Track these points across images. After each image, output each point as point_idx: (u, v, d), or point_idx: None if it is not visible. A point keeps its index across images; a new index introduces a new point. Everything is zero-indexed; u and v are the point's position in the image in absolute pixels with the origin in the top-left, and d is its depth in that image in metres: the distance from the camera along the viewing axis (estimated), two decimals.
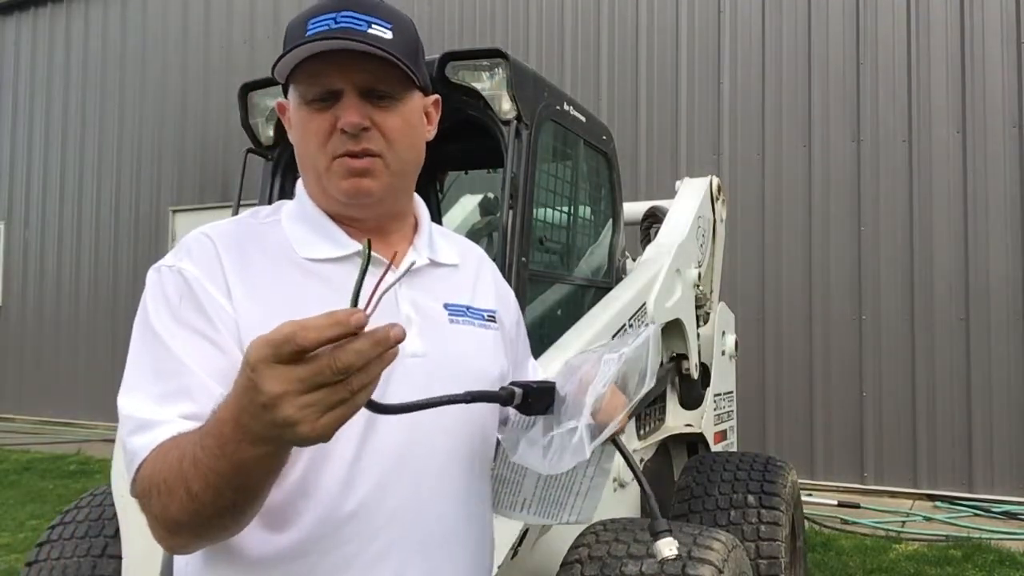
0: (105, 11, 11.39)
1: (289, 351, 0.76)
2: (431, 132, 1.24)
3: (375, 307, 0.80)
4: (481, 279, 1.33)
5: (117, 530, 2.52)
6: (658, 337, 1.17)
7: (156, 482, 0.94)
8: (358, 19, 1.09)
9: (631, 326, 2.97)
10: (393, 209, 1.22)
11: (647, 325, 1.21)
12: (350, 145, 1.11)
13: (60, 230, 11.54)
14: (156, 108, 10.88)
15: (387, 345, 0.78)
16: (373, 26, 1.10)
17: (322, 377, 0.77)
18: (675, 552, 1.10)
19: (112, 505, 2.61)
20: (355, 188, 1.13)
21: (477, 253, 1.38)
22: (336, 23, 1.09)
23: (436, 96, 1.25)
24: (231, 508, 0.92)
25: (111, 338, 10.47)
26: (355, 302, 0.80)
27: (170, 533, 0.96)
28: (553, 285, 2.96)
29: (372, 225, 1.20)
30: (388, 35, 1.11)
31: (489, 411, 1.25)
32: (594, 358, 1.17)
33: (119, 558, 2.45)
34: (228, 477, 0.88)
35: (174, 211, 10.61)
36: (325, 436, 0.80)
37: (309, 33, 1.09)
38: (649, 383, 1.13)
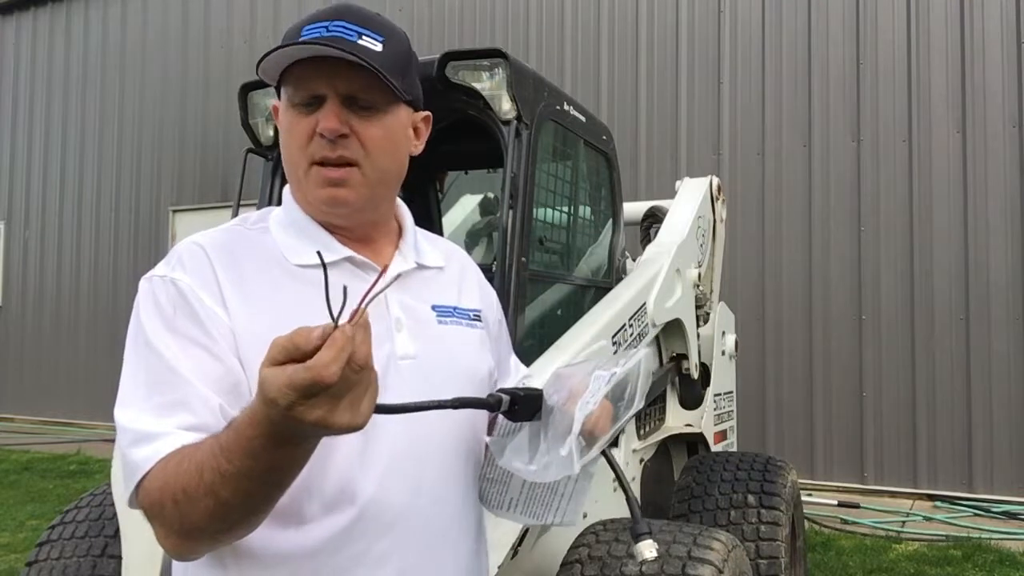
0: (105, 11, 11.39)
1: (319, 390, 0.81)
2: (418, 147, 1.26)
3: (361, 314, 0.84)
4: (465, 280, 1.36)
5: (117, 530, 2.52)
6: (649, 361, 1.19)
7: (172, 494, 0.95)
8: (350, 29, 1.11)
9: (631, 326, 2.97)
10: (373, 217, 1.23)
11: (639, 348, 1.22)
12: (327, 151, 1.12)
13: (60, 230, 11.54)
14: (156, 108, 10.88)
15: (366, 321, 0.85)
16: (364, 37, 1.11)
17: (351, 382, 0.83)
18: (655, 554, 1.15)
19: (112, 505, 2.61)
20: (331, 197, 1.15)
21: (459, 255, 1.40)
22: (328, 31, 1.10)
23: (427, 113, 1.26)
24: (262, 503, 0.95)
25: (111, 338, 10.46)
26: (341, 310, 0.84)
27: (185, 539, 0.97)
28: (553, 285, 2.96)
29: (358, 232, 1.21)
30: (378, 47, 1.12)
31: (481, 412, 1.27)
32: (584, 370, 1.19)
33: (119, 558, 2.44)
34: (262, 478, 0.91)
35: (174, 211, 10.61)
36: (369, 417, 0.87)
37: (302, 38, 1.11)
38: (637, 405, 1.15)
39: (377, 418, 0.95)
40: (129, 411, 1.03)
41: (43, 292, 11.57)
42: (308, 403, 0.81)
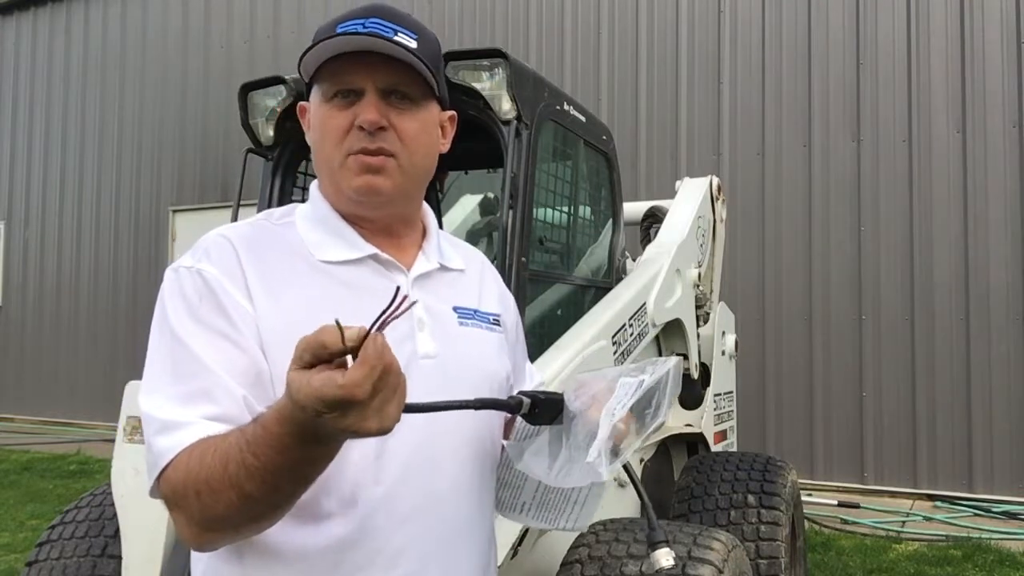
0: (105, 11, 11.39)
1: (351, 407, 0.81)
2: (445, 146, 1.28)
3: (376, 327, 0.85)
4: (485, 283, 1.36)
5: (117, 530, 2.52)
6: (679, 370, 1.17)
7: (194, 485, 0.95)
8: (385, 26, 1.13)
9: (631, 326, 2.97)
10: (403, 212, 1.24)
11: (668, 357, 1.20)
12: (366, 143, 1.14)
13: (60, 230, 11.54)
14: (156, 108, 10.88)
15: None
16: (399, 34, 1.14)
17: (379, 387, 0.83)
18: (672, 563, 1.14)
19: (112, 505, 2.61)
20: (367, 185, 1.16)
21: (480, 258, 1.41)
22: (364, 28, 1.13)
23: (453, 112, 1.29)
24: (287, 498, 0.96)
25: (111, 338, 10.46)
26: (378, 323, 0.85)
27: (206, 530, 0.98)
28: (553, 285, 2.96)
29: (383, 226, 1.22)
30: (413, 44, 1.14)
31: (497, 414, 1.27)
32: (609, 376, 1.18)
33: (119, 558, 2.44)
34: (289, 474, 0.91)
35: (174, 211, 10.61)
36: (399, 419, 0.87)
37: (338, 35, 1.13)
38: (664, 414, 1.13)
39: None
40: (153, 400, 1.04)
41: (43, 292, 11.56)
42: (337, 414, 0.82)
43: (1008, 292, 6.42)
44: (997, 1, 6.59)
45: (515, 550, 2.20)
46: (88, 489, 4.38)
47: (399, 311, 0.86)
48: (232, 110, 4.71)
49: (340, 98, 1.15)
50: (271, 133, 2.91)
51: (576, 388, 1.19)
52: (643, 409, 1.13)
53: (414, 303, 1.14)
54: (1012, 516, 6.00)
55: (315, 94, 1.19)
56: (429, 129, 1.20)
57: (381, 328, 0.84)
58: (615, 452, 1.10)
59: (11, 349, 11.71)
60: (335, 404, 0.80)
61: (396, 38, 1.13)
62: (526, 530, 2.23)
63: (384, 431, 0.85)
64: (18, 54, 12.19)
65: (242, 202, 3.04)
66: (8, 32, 12.32)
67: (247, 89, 2.90)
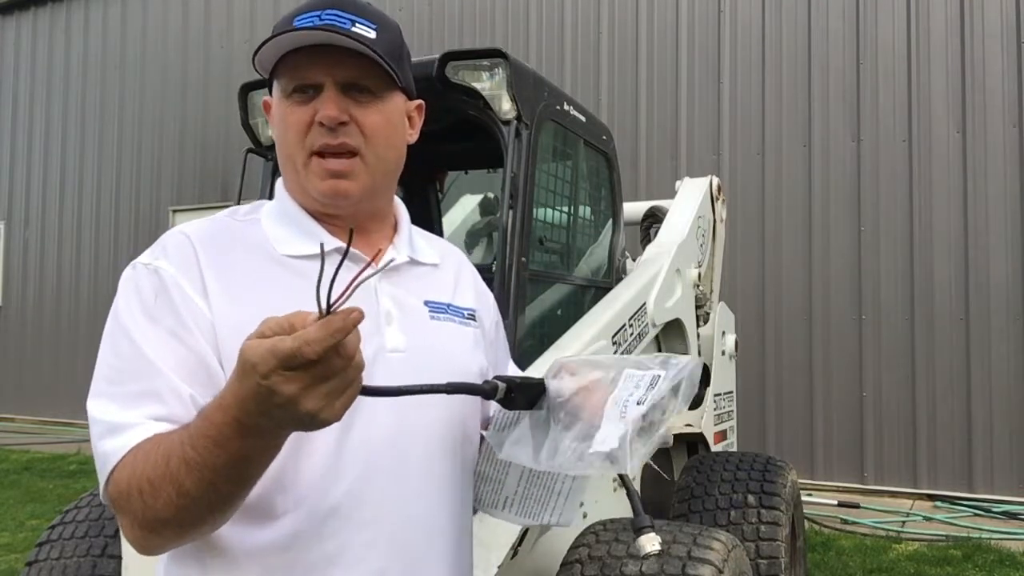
0: (105, 11, 11.39)
1: (298, 364, 0.79)
2: (413, 136, 1.25)
3: (347, 299, 0.82)
4: (461, 279, 1.34)
5: (117, 530, 2.52)
6: (697, 373, 1.10)
7: (137, 483, 0.94)
8: (343, 17, 1.11)
9: (631, 326, 2.97)
10: (372, 209, 1.22)
11: (691, 357, 1.13)
12: (327, 139, 1.12)
13: (60, 230, 11.54)
14: (156, 108, 10.88)
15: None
16: (357, 25, 1.11)
17: (334, 370, 0.81)
18: (657, 548, 1.10)
19: None
20: (333, 189, 1.14)
21: (457, 255, 1.39)
22: (320, 20, 1.10)
23: (420, 101, 1.26)
24: (224, 500, 0.93)
25: None
26: (329, 295, 0.81)
27: (150, 532, 0.96)
28: (553, 285, 2.96)
29: (350, 222, 1.19)
30: (372, 34, 1.12)
31: (471, 410, 1.25)
32: (605, 364, 1.14)
33: (119, 558, 2.45)
34: (225, 472, 0.89)
35: (174, 211, 10.61)
36: (340, 416, 0.85)
37: (294, 28, 1.10)
38: (681, 406, 1.08)
39: (358, 409, 0.92)
40: (100, 401, 1.02)
41: (43, 292, 11.57)
42: (286, 375, 0.79)
43: (1008, 292, 6.42)
44: (997, 1, 6.59)
45: (515, 550, 2.20)
46: (88, 489, 4.37)
47: (366, 275, 0.83)
48: (232, 110, 4.71)
49: (299, 94, 1.13)
50: (271, 133, 2.91)
51: (556, 371, 1.15)
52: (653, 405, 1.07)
53: (392, 259, 1.08)
54: (1012, 516, 6.00)
55: (276, 89, 1.17)
56: (393, 121, 1.18)
57: (347, 289, 0.81)
58: (642, 442, 1.04)
59: (11, 349, 11.71)
60: (286, 356, 0.78)
61: (354, 29, 1.10)
62: (525, 530, 2.23)
63: (322, 419, 0.83)
64: (18, 54, 12.19)
65: (242, 202, 3.03)
66: (8, 32, 12.32)
67: (247, 89, 2.91)
